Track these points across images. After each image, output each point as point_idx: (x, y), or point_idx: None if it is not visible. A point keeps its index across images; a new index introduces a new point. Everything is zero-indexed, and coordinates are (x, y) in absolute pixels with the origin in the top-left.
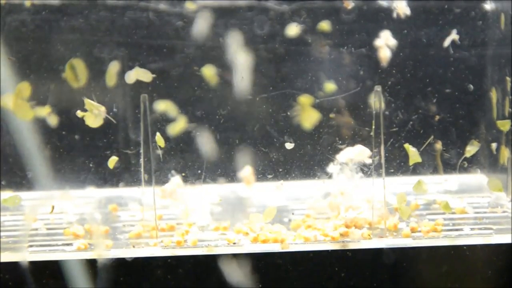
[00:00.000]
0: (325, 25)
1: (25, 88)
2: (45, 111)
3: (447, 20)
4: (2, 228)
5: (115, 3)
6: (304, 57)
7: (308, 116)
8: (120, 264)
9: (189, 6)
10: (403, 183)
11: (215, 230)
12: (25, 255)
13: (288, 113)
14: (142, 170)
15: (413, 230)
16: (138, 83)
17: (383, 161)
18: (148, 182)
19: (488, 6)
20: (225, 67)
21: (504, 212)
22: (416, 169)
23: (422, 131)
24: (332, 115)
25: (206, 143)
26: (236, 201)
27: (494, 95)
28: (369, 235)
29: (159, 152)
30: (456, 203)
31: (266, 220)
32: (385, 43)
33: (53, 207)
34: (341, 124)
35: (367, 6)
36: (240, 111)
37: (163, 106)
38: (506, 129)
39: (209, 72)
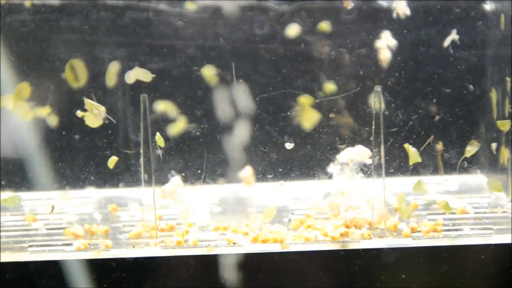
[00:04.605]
0: (325, 25)
1: (25, 88)
2: (45, 111)
3: (447, 20)
4: (2, 228)
5: (115, 3)
6: (304, 57)
7: (308, 116)
8: (120, 264)
9: (189, 6)
10: (403, 183)
11: (215, 230)
12: (25, 255)
13: (288, 113)
14: (142, 170)
15: (413, 230)
16: (138, 83)
17: (383, 161)
18: (148, 182)
19: (488, 6)
20: (225, 68)
21: (504, 212)
22: (416, 169)
23: (422, 131)
24: (332, 115)
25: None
26: (236, 201)
27: (494, 95)
28: (369, 235)
29: (159, 152)
30: (456, 203)
31: (266, 220)
32: (386, 44)
33: (53, 207)
34: (341, 124)
35: (367, 6)
36: (240, 111)
37: (163, 106)
38: (506, 129)
39: (209, 72)
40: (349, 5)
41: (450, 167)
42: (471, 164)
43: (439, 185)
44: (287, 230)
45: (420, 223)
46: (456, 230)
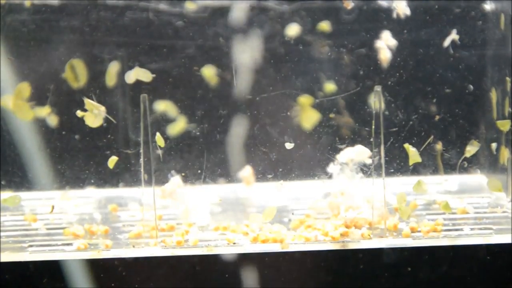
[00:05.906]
0: (325, 25)
1: (25, 88)
2: (45, 111)
3: (447, 20)
4: (2, 228)
5: (115, 3)
6: (304, 57)
7: (308, 116)
8: (120, 264)
9: (189, 6)
10: (403, 183)
11: (215, 230)
12: (25, 255)
13: (288, 113)
14: (142, 170)
15: (413, 230)
16: (138, 83)
17: (383, 161)
18: (148, 182)
19: (488, 6)
20: (225, 67)
21: (504, 212)
22: (416, 169)
23: (422, 131)
24: (332, 115)
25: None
26: (236, 201)
27: (494, 95)
28: (369, 235)
29: (159, 152)
30: (456, 203)
31: (266, 220)
32: (386, 44)
33: (53, 207)
34: (341, 124)
35: (367, 6)
36: (240, 111)
37: (163, 106)
38: (506, 129)
39: (209, 72)
40: (349, 5)
41: (450, 167)
42: (471, 164)
43: (439, 185)
44: (287, 230)
45: (420, 223)
46: (456, 230)
